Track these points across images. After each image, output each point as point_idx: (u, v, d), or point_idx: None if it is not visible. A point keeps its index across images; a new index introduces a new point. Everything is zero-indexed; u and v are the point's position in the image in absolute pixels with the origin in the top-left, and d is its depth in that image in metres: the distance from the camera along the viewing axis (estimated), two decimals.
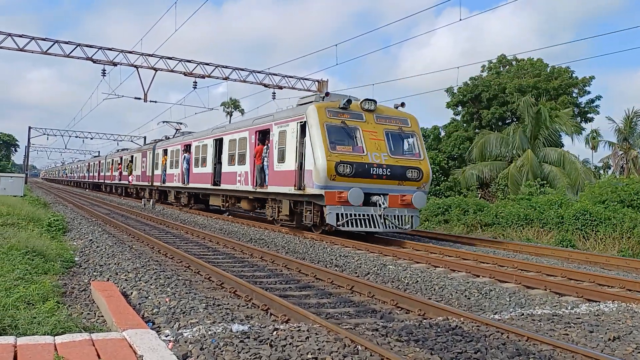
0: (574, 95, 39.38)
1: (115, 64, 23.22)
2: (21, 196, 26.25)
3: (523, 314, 6.67)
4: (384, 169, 14.04)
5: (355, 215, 13.62)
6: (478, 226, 19.33)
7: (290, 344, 4.85)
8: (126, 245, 11.53)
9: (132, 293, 6.82)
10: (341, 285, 8.08)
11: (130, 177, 36.47)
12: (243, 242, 12.56)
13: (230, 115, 60.53)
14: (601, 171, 43.53)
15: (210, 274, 8.32)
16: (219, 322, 5.52)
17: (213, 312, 5.93)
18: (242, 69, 25.57)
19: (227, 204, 20.74)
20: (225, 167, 19.97)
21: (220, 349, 4.64)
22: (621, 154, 41.57)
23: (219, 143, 21.10)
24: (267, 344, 4.83)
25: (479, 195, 30.80)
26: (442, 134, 42.26)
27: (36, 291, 5.97)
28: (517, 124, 34.23)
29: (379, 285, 7.94)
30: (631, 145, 40.25)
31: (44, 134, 61.65)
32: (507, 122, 38.90)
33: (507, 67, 41.50)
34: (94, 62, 22.80)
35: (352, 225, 13.62)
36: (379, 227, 13.81)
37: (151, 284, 7.30)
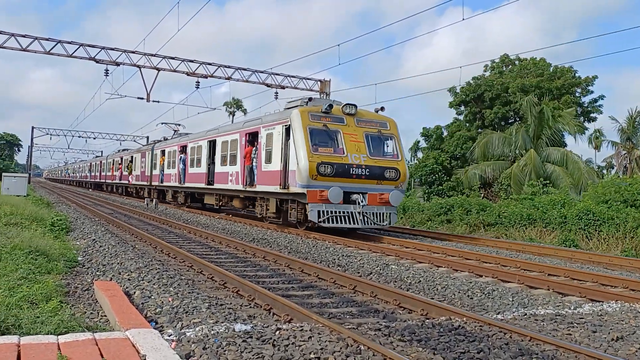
0: (577, 94, 39.30)
1: (118, 64, 23.28)
2: (24, 196, 26.29)
3: (526, 314, 6.66)
4: (363, 169, 14.91)
5: (335, 212, 14.49)
6: (481, 226, 19.30)
7: (292, 343, 4.85)
8: (129, 245, 11.54)
9: (135, 293, 6.83)
10: (344, 285, 8.08)
11: (130, 177, 37.24)
12: (246, 242, 12.57)
13: (233, 115, 60.61)
14: (604, 171, 43.45)
15: (213, 273, 8.33)
16: (222, 322, 5.53)
17: (216, 312, 5.93)
18: (244, 69, 25.60)
19: (220, 203, 21.58)
20: (218, 168, 20.85)
21: (222, 348, 4.65)
22: (624, 154, 41.46)
23: (212, 144, 21.98)
24: (269, 343, 4.83)
25: (482, 195, 30.73)
26: (445, 133, 42.20)
27: (39, 291, 5.99)
28: (519, 123, 34.17)
29: (382, 285, 7.93)
30: (634, 144, 40.14)
31: (47, 134, 61.85)
32: (509, 121, 38.84)
33: (510, 66, 41.43)
34: (97, 62, 22.85)
35: (333, 222, 14.47)
36: (358, 224, 14.68)
37: (154, 284, 7.31)
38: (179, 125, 33.01)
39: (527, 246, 14.05)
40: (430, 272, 9.57)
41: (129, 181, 37.71)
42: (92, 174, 56.26)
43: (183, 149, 25.80)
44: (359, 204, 14.66)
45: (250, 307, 6.61)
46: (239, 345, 4.73)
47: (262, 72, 25.99)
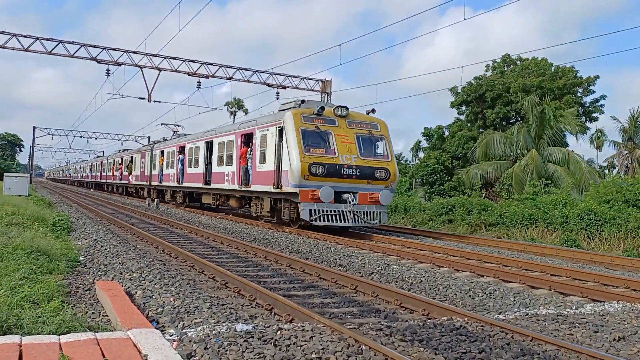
0: (579, 94, 39.25)
1: (119, 64, 23.28)
2: (26, 196, 26.32)
3: (527, 314, 6.66)
4: (354, 170, 15.35)
5: (326, 211, 14.90)
6: (482, 226, 19.29)
7: (294, 343, 4.85)
8: (130, 245, 11.55)
9: (136, 292, 6.83)
10: (345, 285, 8.08)
11: (130, 177, 37.78)
12: (247, 242, 12.57)
13: (234, 115, 60.64)
14: (606, 171, 43.38)
15: (215, 273, 8.34)
16: (223, 322, 5.53)
17: (217, 312, 5.93)
18: (245, 69, 25.59)
19: (217, 202, 22.00)
20: (215, 168, 21.34)
21: (224, 348, 4.65)
22: (626, 154, 41.40)
23: (209, 145, 22.39)
24: (271, 343, 4.83)
25: (483, 195, 30.73)
26: (446, 133, 42.18)
27: (41, 290, 5.99)
28: (521, 123, 34.14)
29: (383, 285, 7.93)
30: (636, 144, 40.07)
31: (49, 134, 61.79)
32: (511, 121, 38.82)
33: (511, 66, 41.39)
34: (98, 62, 22.85)
35: (324, 220, 14.88)
36: (348, 222, 15.13)
37: (155, 284, 7.31)
38: (178, 126, 33.62)
39: (529, 246, 14.04)
40: (431, 272, 9.57)
41: (129, 181, 38.20)
42: (93, 174, 56.59)
43: (181, 150, 26.21)
44: (349, 203, 15.05)
45: (252, 307, 6.61)
46: (241, 345, 4.73)
47: (263, 72, 25.99)
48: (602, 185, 19.55)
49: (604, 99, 39.99)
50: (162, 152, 29.96)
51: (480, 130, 38.85)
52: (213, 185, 21.47)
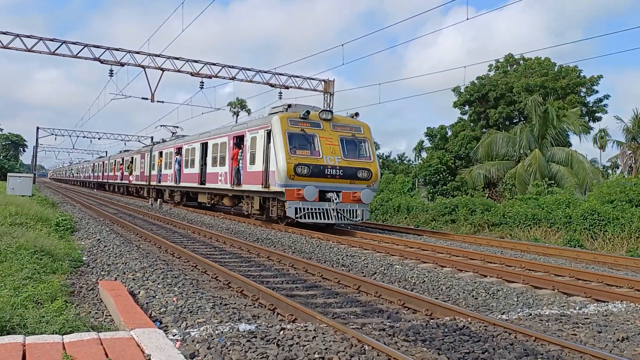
0: (582, 94, 39.17)
1: (122, 65, 23.31)
2: (29, 196, 26.40)
3: (531, 314, 6.64)
4: (337, 170, 16.18)
5: (311, 209, 15.70)
6: (485, 226, 19.26)
7: (297, 343, 4.85)
8: (134, 245, 11.57)
9: (139, 292, 6.84)
10: (348, 285, 8.08)
11: (130, 177, 38.49)
12: (250, 242, 12.58)
13: (237, 115, 60.71)
14: (609, 171, 43.28)
15: (218, 273, 8.34)
16: (226, 322, 5.53)
17: (220, 312, 5.93)
18: (248, 69, 25.60)
19: (212, 201, 22.73)
20: (210, 168, 22.10)
21: (227, 348, 4.65)
22: (629, 154, 41.32)
23: (205, 146, 23.14)
24: (274, 343, 4.83)
25: (486, 195, 30.67)
26: (449, 133, 42.13)
27: (44, 290, 6.01)
28: (524, 123, 34.09)
29: (386, 285, 7.92)
30: (639, 144, 39.97)
31: (52, 134, 61.81)
32: (514, 121, 38.76)
33: (515, 66, 41.33)
34: (102, 62, 22.89)
35: (309, 218, 15.67)
36: (332, 219, 15.92)
37: (158, 284, 7.33)
38: (177, 127, 34.48)
39: (532, 246, 14.01)
40: (434, 272, 9.55)
41: (129, 181, 38.90)
42: (95, 174, 57.07)
43: (179, 151, 26.85)
44: (333, 201, 15.84)
45: (255, 307, 6.61)
46: (243, 345, 4.74)
47: (266, 72, 26.00)
48: (606, 185, 19.49)
49: (607, 98, 39.93)
50: (160, 153, 30.67)
51: (483, 130, 38.80)
52: (208, 185, 22.23)
